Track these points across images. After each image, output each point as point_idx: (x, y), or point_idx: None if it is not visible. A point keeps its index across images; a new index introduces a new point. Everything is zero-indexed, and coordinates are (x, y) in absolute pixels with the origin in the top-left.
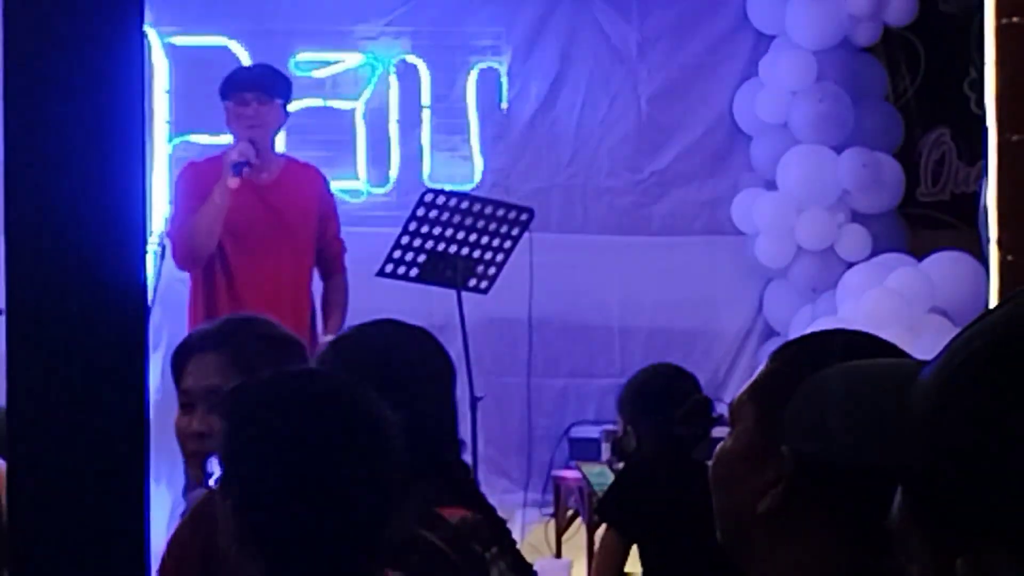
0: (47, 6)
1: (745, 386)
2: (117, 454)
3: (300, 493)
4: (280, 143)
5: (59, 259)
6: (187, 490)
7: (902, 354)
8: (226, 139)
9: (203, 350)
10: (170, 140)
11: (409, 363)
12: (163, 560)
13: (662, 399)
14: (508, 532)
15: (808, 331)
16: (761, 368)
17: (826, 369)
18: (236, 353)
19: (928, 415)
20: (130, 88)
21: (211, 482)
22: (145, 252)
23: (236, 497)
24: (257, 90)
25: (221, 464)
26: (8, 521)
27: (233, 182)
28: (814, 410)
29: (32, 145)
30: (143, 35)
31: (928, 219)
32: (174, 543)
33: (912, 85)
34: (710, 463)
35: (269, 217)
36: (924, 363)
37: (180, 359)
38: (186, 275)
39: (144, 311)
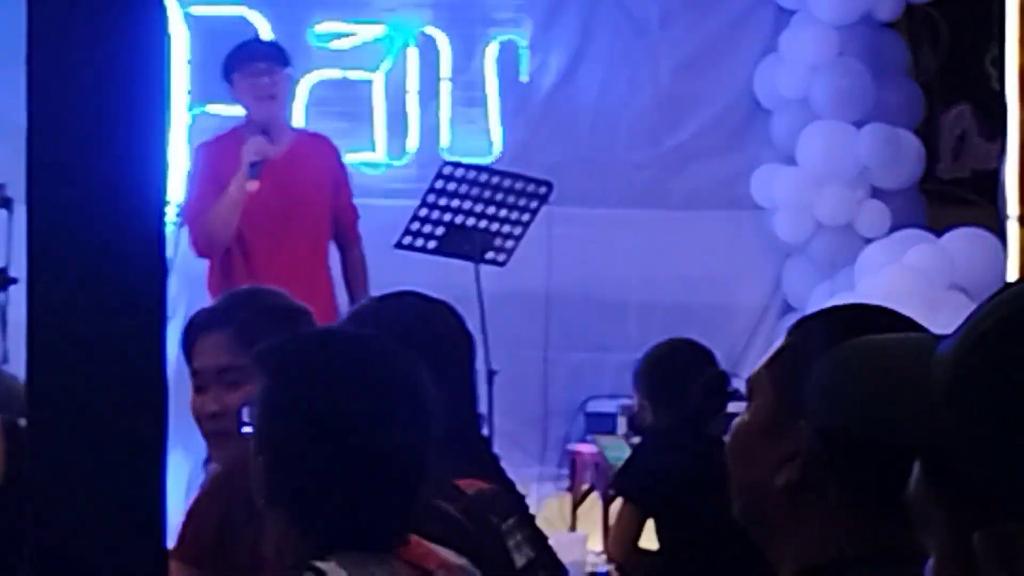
0: None
1: (763, 361)
2: (136, 425)
3: (336, 454)
4: (299, 115)
5: (80, 229)
6: (207, 461)
7: (921, 329)
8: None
9: (209, 329)
10: (189, 110)
11: (430, 336)
12: (181, 531)
13: (679, 374)
14: (525, 504)
15: (826, 306)
16: (779, 343)
17: (845, 343)
18: (241, 329)
19: (947, 388)
20: (152, 60)
21: (245, 430)
22: (164, 223)
23: (269, 454)
24: (269, 60)
25: (256, 420)
26: (29, 489)
27: (252, 185)
28: (832, 384)
29: (55, 116)
30: (164, 6)
31: (948, 195)
32: (193, 514)
33: (934, 61)
34: (727, 437)
35: (282, 193)
36: (943, 337)
37: (188, 339)
38: None
39: (163, 281)
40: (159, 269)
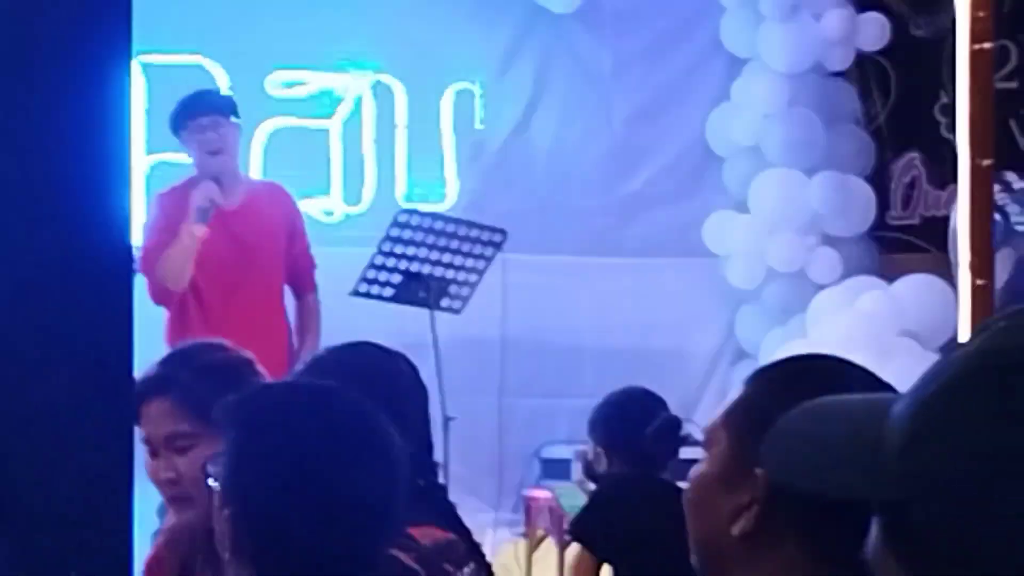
0: (35, 28)
1: (720, 411)
2: (104, 477)
3: (303, 506)
4: (256, 162)
5: (47, 278)
6: (163, 510)
7: (875, 379)
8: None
9: (152, 396)
10: (147, 155)
11: (386, 386)
12: None
13: (633, 421)
14: (481, 553)
15: (779, 354)
16: (735, 393)
17: (800, 406)
18: (183, 394)
19: (899, 450)
20: (117, 111)
21: (210, 483)
22: (132, 271)
23: (235, 506)
24: (214, 113)
25: (222, 473)
26: None
27: (200, 229)
28: (789, 447)
29: (18, 168)
30: (130, 56)
31: (899, 242)
32: (153, 563)
33: (883, 109)
34: (685, 486)
35: (237, 245)
36: (897, 397)
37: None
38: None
39: (130, 334)
40: (127, 320)
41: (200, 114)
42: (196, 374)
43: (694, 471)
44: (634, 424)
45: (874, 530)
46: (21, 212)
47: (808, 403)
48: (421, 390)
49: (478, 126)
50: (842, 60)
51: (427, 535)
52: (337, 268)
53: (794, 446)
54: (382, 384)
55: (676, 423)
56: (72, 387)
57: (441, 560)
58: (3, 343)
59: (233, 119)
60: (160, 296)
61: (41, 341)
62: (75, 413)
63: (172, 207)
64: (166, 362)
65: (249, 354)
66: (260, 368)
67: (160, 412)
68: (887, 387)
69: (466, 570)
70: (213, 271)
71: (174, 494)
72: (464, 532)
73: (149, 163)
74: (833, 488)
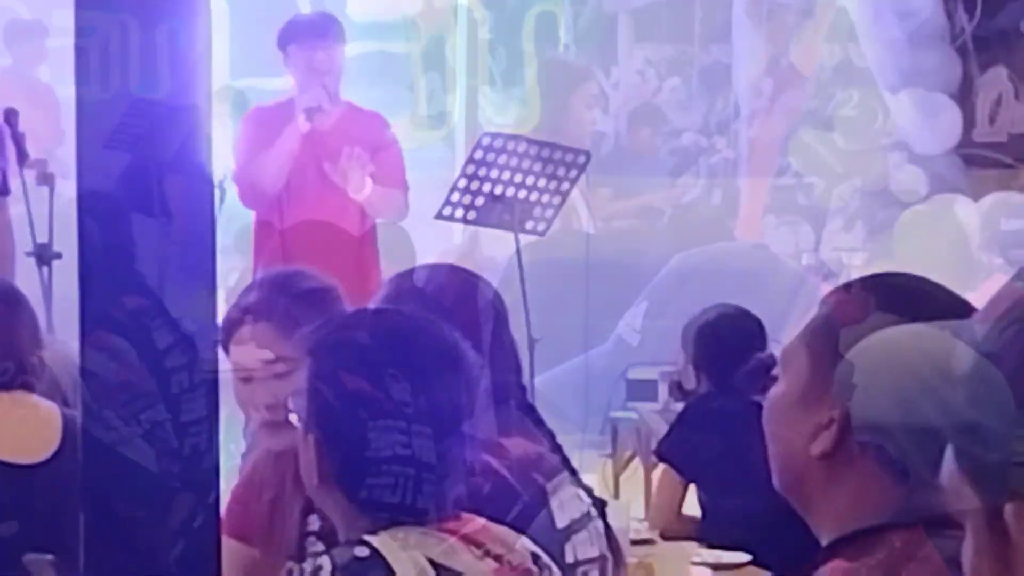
0: None
1: (797, 332)
2: (190, 400)
3: (383, 428)
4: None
5: (133, 200)
6: (246, 431)
7: (951, 295)
8: (282, 83)
9: (251, 320)
10: (231, 81)
11: (464, 306)
12: (228, 508)
13: (727, 345)
14: (572, 467)
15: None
16: (812, 313)
17: (869, 336)
18: (283, 322)
19: (969, 375)
20: (200, 40)
21: (290, 418)
22: (213, 196)
23: (318, 431)
24: (322, 36)
25: (304, 402)
26: (83, 462)
27: (304, 126)
28: (862, 379)
29: (101, 94)
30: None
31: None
32: (241, 493)
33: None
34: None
35: (323, 165)
36: (961, 325)
37: (227, 332)
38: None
39: (212, 253)
40: (210, 237)
41: (309, 35)
42: (294, 300)
43: (772, 392)
44: (728, 348)
45: (948, 455)
46: (106, 133)
47: (878, 333)
48: (501, 310)
49: (561, 48)
50: None
51: (517, 445)
52: (422, 192)
53: (867, 378)
54: (460, 305)
55: (771, 363)
56: (158, 312)
57: (530, 469)
58: (92, 275)
59: (340, 44)
60: (251, 199)
61: (129, 262)
62: (157, 335)
63: (273, 118)
64: (261, 287)
65: (334, 281)
66: (343, 295)
67: (260, 336)
68: (966, 305)
69: (555, 480)
70: (297, 189)
71: (271, 419)
72: (556, 448)
73: (234, 88)
74: (908, 416)
